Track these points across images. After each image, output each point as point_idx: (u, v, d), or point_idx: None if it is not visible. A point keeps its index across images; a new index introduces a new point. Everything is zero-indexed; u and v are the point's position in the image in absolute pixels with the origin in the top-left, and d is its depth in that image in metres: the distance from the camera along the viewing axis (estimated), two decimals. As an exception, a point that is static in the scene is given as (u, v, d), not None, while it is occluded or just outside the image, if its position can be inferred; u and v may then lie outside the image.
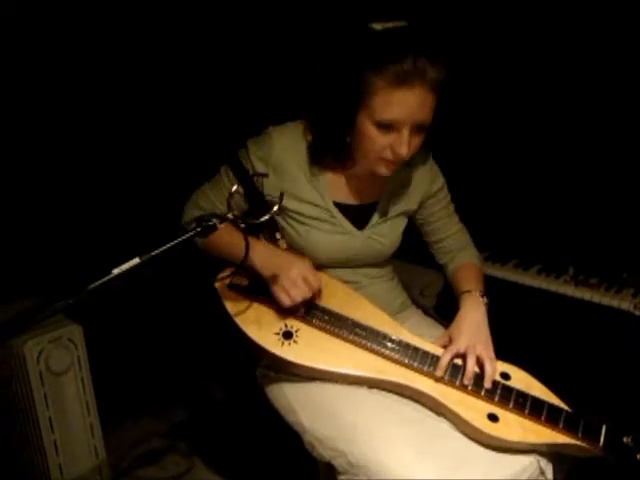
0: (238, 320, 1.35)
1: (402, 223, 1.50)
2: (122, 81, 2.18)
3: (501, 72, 1.97)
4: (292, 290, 1.30)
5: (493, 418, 1.21)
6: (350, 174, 1.41)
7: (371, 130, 1.25)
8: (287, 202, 1.37)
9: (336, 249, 1.42)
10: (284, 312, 1.35)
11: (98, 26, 2.08)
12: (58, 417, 1.75)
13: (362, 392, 1.29)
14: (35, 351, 1.67)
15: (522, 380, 1.30)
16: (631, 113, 1.79)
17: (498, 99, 1.99)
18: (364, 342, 1.32)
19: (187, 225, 1.37)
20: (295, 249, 1.43)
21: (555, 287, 1.83)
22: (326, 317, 1.35)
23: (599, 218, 1.86)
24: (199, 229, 1.16)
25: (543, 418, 1.21)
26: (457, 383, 1.26)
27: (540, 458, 1.19)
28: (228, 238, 1.37)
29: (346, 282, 1.45)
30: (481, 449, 1.19)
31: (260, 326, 1.34)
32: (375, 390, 1.30)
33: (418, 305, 1.64)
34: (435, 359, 1.30)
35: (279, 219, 1.43)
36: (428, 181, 1.49)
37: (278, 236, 1.43)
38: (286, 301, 1.31)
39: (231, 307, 1.39)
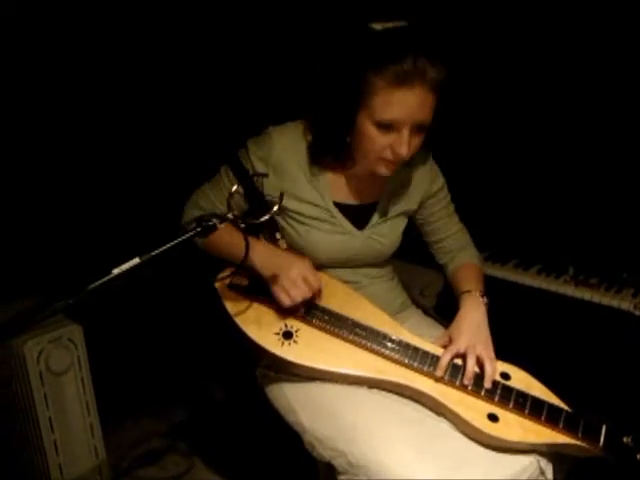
0: (238, 320, 1.35)
1: (402, 223, 1.50)
2: (122, 81, 2.18)
3: (501, 72, 1.97)
4: (292, 290, 1.30)
5: (493, 418, 1.21)
6: (350, 174, 1.41)
7: (371, 130, 1.25)
8: (287, 202, 1.37)
9: (336, 249, 1.42)
10: (284, 312, 1.35)
11: (98, 26, 2.08)
12: (58, 417, 1.75)
13: (362, 392, 1.29)
14: (35, 351, 1.67)
15: (522, 380, 1.30)
16: (631, 113, 1.80)
17: (498, 99, 1.99)
18: (364, 342, 1.31)
19: (187, 225, 1.37)
20: (295, 249, 1.43)
21: (555, 287, 1.83)
22: (326, 317, 1.35)
23: (599, 218, 1.86)
24: (199, 229, 1.16)
25: (543, 418, 1.21)
26: (457, 383, 1.26)
27: (540, 458, 1.19)
28: (228, 238, 1.37)
29: (346, 282, 1.45)
30: (481, 449, 1.19)
31: (260, 326, 1.34)
32: (375, 390, 1.30)
33: (418, 305, 1.64)
34: (435, 359, 1.30)
35: (279, 219, 1.42)
36: (428, 181, 1.49)
37: (278, 236, 1.43)
38: (286, 301, 1.31)
39: (231, 307, 1.39)
